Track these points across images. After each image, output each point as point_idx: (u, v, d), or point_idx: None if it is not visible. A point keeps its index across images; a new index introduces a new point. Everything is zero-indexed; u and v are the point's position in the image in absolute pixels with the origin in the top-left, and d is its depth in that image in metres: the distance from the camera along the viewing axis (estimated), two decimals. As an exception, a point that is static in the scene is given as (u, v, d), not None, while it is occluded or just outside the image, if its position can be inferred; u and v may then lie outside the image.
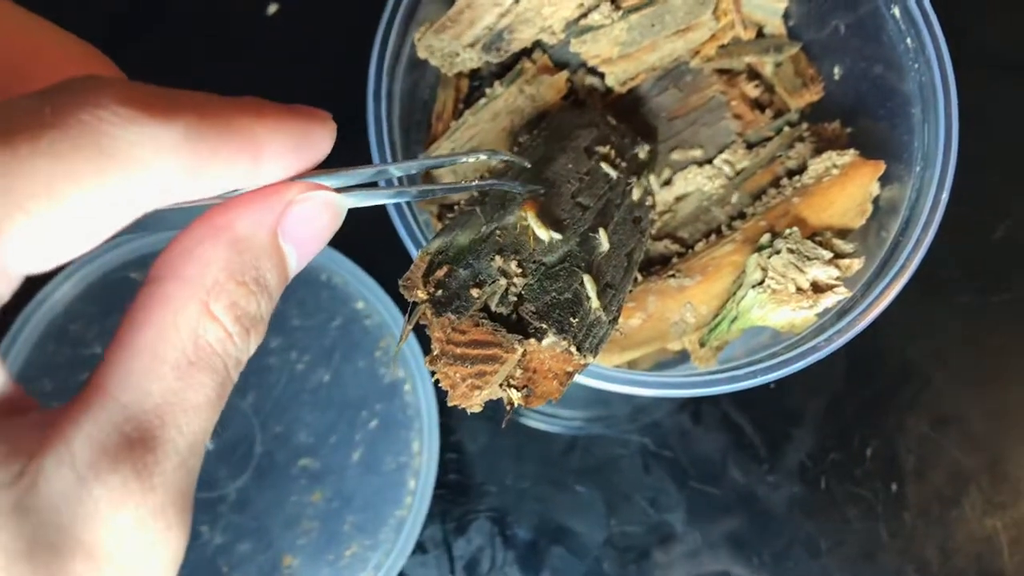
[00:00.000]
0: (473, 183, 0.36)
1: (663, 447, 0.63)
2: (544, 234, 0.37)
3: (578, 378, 0.44)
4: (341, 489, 0.62)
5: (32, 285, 0.20)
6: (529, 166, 0.40)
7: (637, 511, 0.63)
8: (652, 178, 0.50)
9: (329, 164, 0.27)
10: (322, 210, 0.26)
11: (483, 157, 0.34)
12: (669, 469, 0.63)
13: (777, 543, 0.63)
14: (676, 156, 0.52)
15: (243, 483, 0.62)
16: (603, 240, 0.39)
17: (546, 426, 0.64)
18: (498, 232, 0.37)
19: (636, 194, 0.44)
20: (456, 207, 0.41)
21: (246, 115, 0.22)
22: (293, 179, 0.25)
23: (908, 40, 0.47)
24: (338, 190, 0.27)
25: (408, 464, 0.62)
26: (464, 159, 0.34)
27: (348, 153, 0.29)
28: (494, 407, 0.37)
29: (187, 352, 0.22)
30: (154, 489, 0.20)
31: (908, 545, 0.62)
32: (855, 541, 0.62)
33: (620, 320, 0.45)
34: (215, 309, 0.22)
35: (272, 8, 0.69)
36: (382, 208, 0.37)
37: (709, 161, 0.51)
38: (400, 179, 0.41)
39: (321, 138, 0.25)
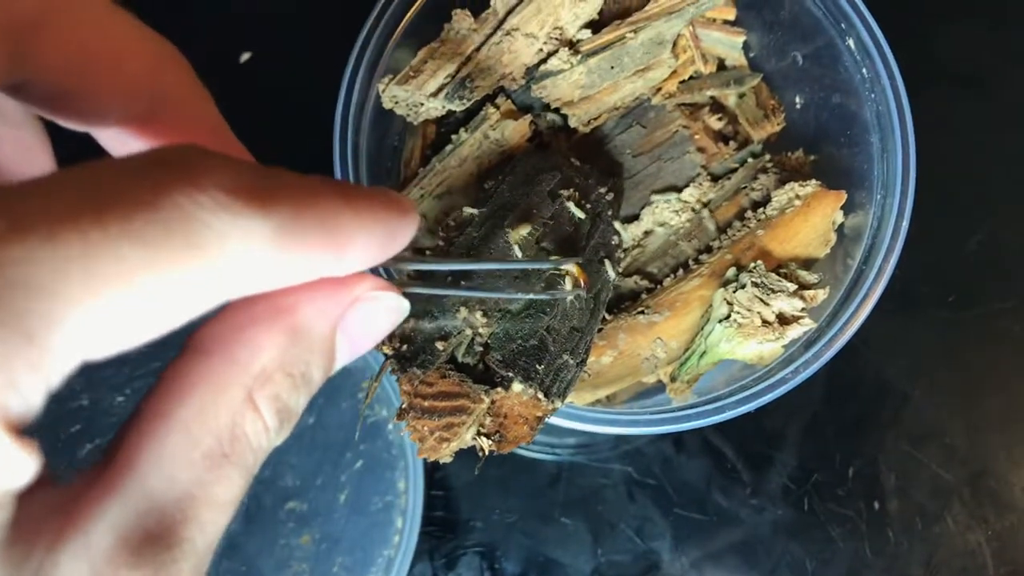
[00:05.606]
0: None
1: (646, 475, 0.64)
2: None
3: (558, 419, 0.44)
4: (329, 531, 0.62)
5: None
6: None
7: (623, 540, 0.63)
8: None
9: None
10: (387, 313, 0.25)
11: (563, 267, 0.37)
12: (653, 497, 0.64)
13: (764, 566, 0.63)
14: (643, 192, 0.52)
15: (232, 528, 0.62)
16: (568, 284, 0.40)
17: (530, 453, 0.65)
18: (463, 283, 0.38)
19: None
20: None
21: (337, 205, 0.21)
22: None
23: (864, 70, 0.48)
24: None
25: (394, 503, 0.62)
26: (538, 266, 0.37)
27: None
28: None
29: (223, 441, 0.20)
30: None
31: (893, 563, 0.63)
32: (841, 560, 0.63)
33: (591, 358, 0.46)
34: (258, 399, 0.21)
35: (245, 56, 0.69)
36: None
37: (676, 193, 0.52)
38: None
39: (405, 233, 0.23)
